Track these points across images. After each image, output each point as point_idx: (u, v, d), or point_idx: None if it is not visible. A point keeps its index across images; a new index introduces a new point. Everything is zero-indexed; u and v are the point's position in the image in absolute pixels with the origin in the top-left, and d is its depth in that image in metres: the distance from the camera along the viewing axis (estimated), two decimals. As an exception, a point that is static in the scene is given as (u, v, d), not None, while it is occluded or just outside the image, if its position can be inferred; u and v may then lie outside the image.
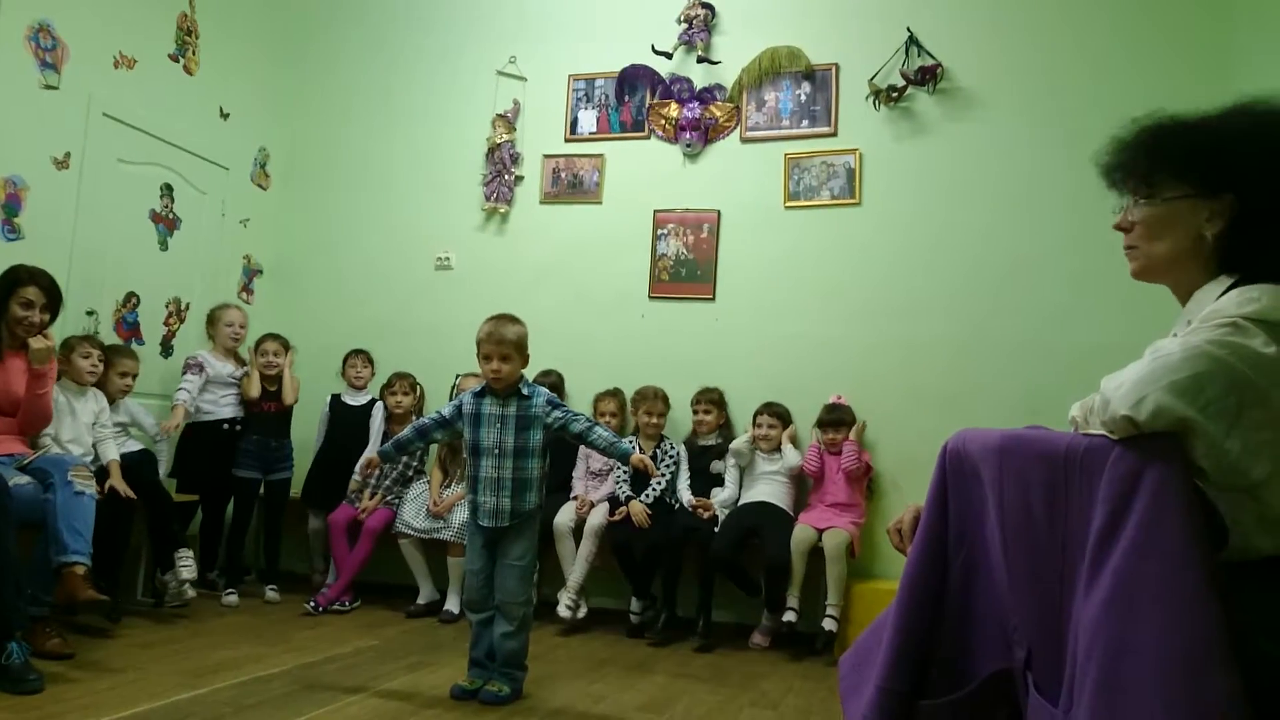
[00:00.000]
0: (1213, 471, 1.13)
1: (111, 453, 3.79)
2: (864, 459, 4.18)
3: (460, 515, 4.23)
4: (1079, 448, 1.15)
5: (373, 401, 4.71)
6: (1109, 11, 4.29)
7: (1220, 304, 1.24)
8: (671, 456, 4.37)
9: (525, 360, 3.00)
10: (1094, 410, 1.20)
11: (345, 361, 4.78)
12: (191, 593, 3.80)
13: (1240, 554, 1.17)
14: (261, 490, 4.47)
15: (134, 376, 4.10)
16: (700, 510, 4.13)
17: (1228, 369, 1.14)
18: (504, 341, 2.92)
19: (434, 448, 4.49)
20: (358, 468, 3.10)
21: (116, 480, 3.66)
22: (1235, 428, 1.13)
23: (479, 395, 3.03)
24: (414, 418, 4.66)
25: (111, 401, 4.01)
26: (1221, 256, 1.34)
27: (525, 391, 3.00)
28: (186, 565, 3.77)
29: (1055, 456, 1.17)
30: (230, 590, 4.21)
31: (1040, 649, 1.20)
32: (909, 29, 4.47)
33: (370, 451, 4.53)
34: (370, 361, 4.80)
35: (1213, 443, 1.12)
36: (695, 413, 4.43)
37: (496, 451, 2.95)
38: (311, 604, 4.10)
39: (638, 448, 4.38)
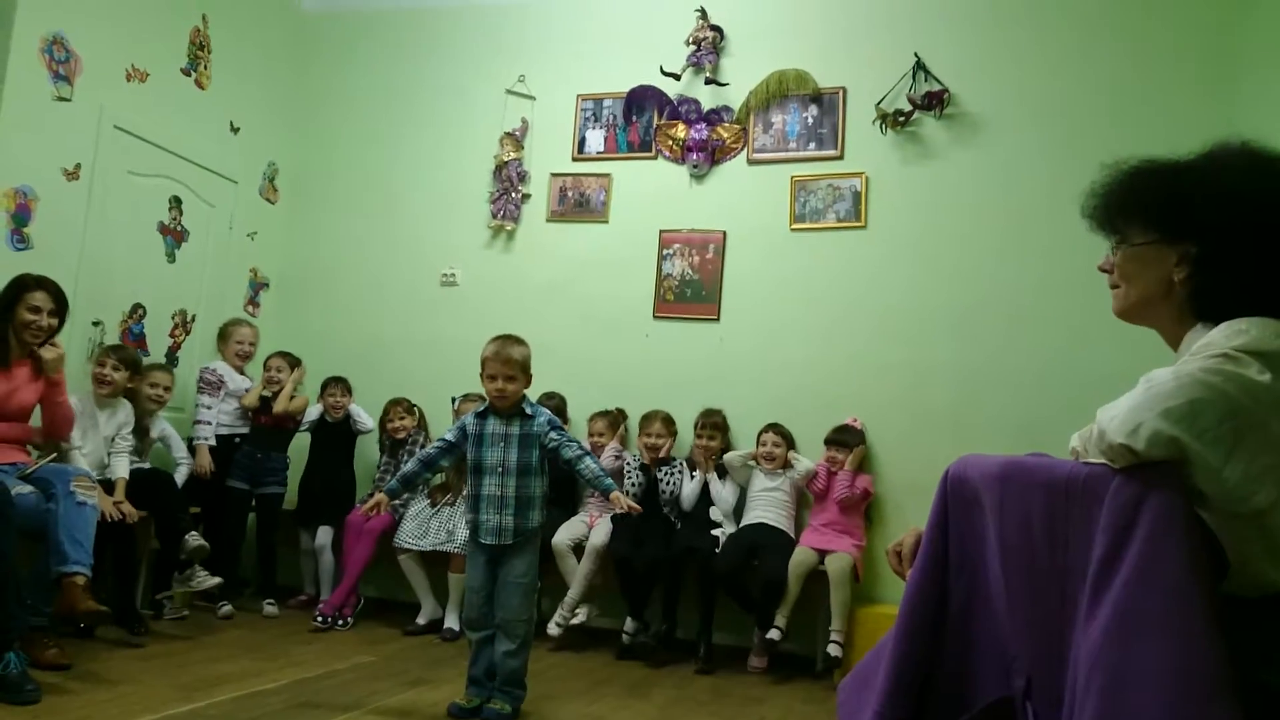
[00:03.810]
0: (1214, 498, 1.13)
1: (122, 470, 3.79)
2: (858, 487, 4.14)
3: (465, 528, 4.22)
4: (1080, 476, 1.15)
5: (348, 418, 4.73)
6: (1116, 39, 4.30)
7: (1211, 337, 1.25)
8: (677, 470, 4.35)
9: (529, 380, 3.03)
10: (1092, 440, 1.20)
11: (324, 389, 4.73)
12: (211, 581, 3.90)
13: (1249, 585, 1.17)
14: (253, 503, 4.47)
15: (166, 389, 4.13)
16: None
17: (1223, 395, 1.14)
18: (510, 362, 2.94)
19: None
20: (365, 507, 3.13)
21: (121, 500, 3.64)
22: (1234, 454, 1.13)
23: (481, 415, 3.04)
24: (419, 435, 4.68)
25: (143, 414, 4.06)
26: (1192, 303, 1.35)
27: (528, 411, 3.01)
28: (197, 539, 3.86)
29: (1056, 484, 1.17)
30: (223, 602, 4.19)
31: (1040, 678, 1.19)
32: (916, 54, 4.50)
33: (366, 422, 4.64)
34: (348, 390, 4.75)
35: (1211, 470, 1.12)
36: (699, 437, 4.40)
37: (500, 470, 2.95)
38: (319, 619, 4.09)
39: (639, 464, 4.39)
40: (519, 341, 3.01)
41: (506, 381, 2.93)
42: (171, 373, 4.24)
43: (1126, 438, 1.12)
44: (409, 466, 3.14)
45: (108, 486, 3.62)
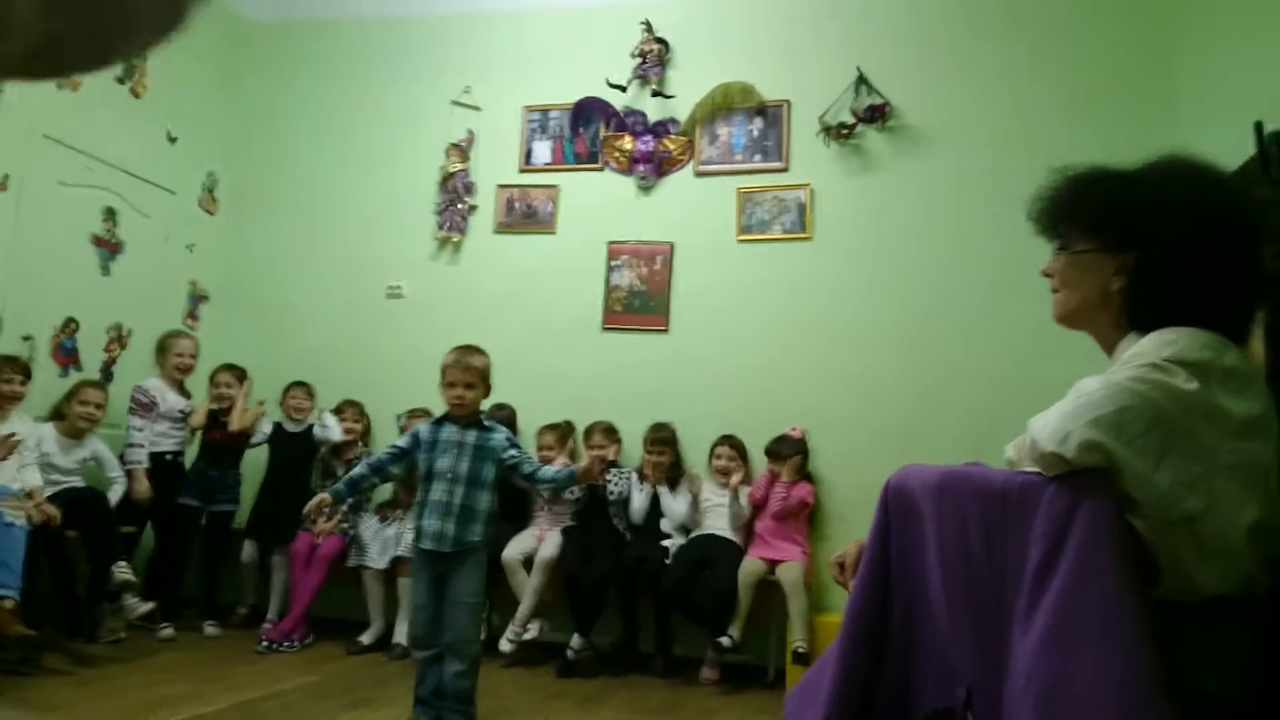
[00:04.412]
0: (1145, 505, 1.16)
1: (35, 480, 3.68)
2: (794, 498, 4.11)
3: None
4: (1014, 485, 1.16)
5: (311, 426, 4.62)
6: (1056, 50, 4.40)
7: (1140, 346, 1.28)
8: (625, 476, 4.35)
9: (488, 390, 3.03)
10: (1025, 449, 1.22)
11: (286, 392, 4.68)
12: (144, 608, 3.75)
13: (1183, 590, 1.19)
14: (204, 520, 4.36)
15: (98, 406, 4.00)
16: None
17: (1150, 404, 1.17)
18: (470, 369, 2.95)
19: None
20: (308, 507, 3.06)
21: (40, 504, 3.54)
22: (1163, 461, 1.15)
23: (437, 423, 3.03)
24: (360, 445, 4.61)
25: (77, 435, 3.96)
26: (1128, 311, 1.38)
27: (486, 424, 3.00)
28: (124, 571, 3.69)
29: (992, 494, 1.19)
30: (165, 624, 4.08)
31: (980, 687, 1.20)
32: (858, 68, 4.56)
33: (333, 431, 4.49)
34: (311, 394, 4.71)
35: (1141, 477, 1.14)
36: (648, 453, 4.36)
37: (449, 476, 2.92)
38: (264, 643, 3.98)
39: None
40: (480, 351, 3.03)
41: (466, 389, 2.94)
42: (104, 389, 4.12)
43: (1057, 446, 1.14)
44: (357, 470, 3.08)
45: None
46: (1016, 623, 1.11)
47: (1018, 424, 1.38)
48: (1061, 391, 1.34)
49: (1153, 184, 1.40)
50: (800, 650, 3.75)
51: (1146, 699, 1.01)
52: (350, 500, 4.28)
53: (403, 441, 3.05)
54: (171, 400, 4.35)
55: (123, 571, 3.69)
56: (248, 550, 4.50)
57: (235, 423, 4.42)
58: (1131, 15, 4.35)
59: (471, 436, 2.96)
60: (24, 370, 3.76)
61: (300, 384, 4.71)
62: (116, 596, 3.71)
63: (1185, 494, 1.16)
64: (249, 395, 4.51)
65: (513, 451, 2.99)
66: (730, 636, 3.84)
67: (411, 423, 4.21)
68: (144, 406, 4.24)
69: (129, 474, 4.14)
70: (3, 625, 2.99)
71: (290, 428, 4.64)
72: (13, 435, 3.47)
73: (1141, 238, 1.37)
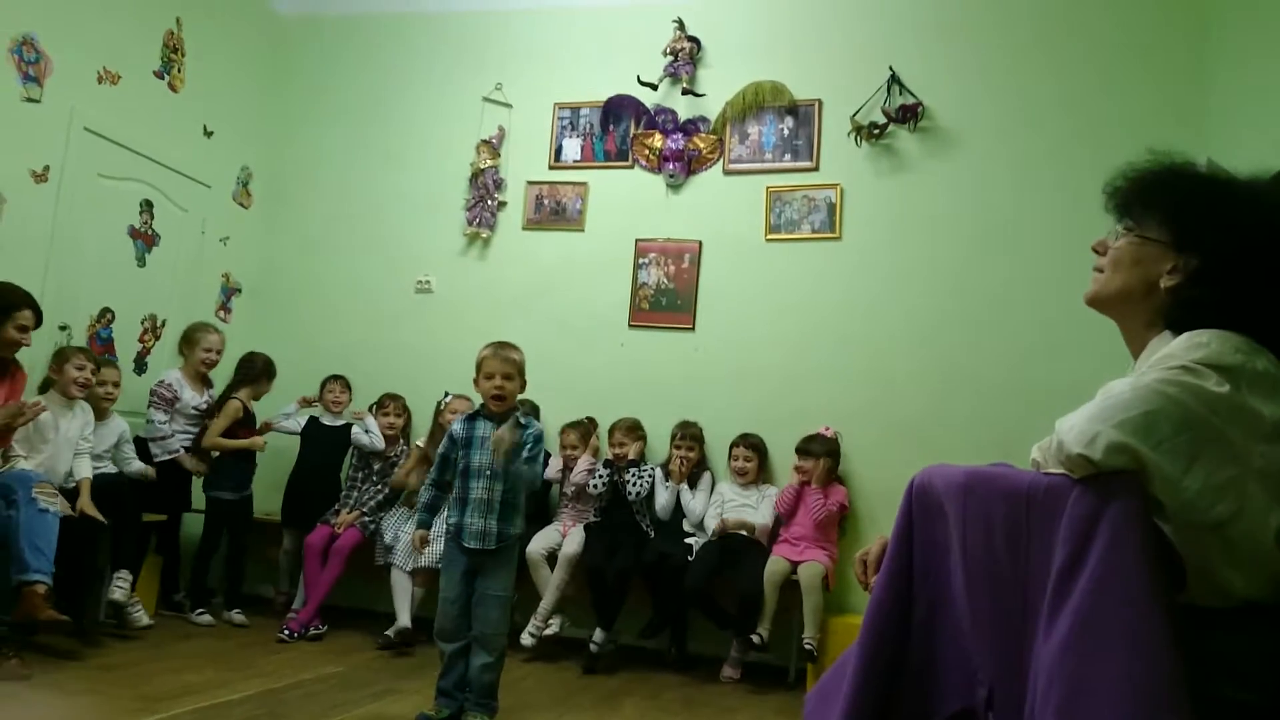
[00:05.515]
0: (1173, 509, 1.14)
1: (84, 471, 3.74)
2: (833, 502, 4.11)
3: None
4: (1040, 487, 1.15)
5: (349, 425, 4.66)
6: (1087, 56, 4.35)
7: (1170, 348, 1.25)
8: (647, 475, 4.33)
9: (523, 385, 3.05)
10: (1051, 450, 1.20)
11: (324, 386, 4.74)
12: (145, 620, 3.78)
13: (1211, 595, 1.17)
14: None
15: (115, 385, 4.03)
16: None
17: (1180, 407, 1.14)
18: (510, 361, 2.98)
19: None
20: (415, 545, 3.21)
21: (86, 503, 3.60)
22: (1193, 466, 1.13)
23: (470, 419, 3.04)
24: (400, 440, 4.66)
25: (100, 416, 3.99)
26: (1170, 312, 1.35)
27: (522, 420, 3.00)
28: (121, 586, 3.70)
29: (1017, 495, 1.17)
30: (201, 610, 4.16)
31: (1002, 689, 1.19)
32: (891, 68, 4.53)
33: (376, 439, 4.54)
34: (348, 387, 4.76)
35: (1169, 480, 1.12)
36: (678, 448, 4.37)
37: (488, 473, 2.94)
38: (285, 632, 4.01)
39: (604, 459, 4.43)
40: (515, 346, 3.06)
41: (505, 379, 2.95)
42: (117, 368, 4.14)
43: (1084, 448, 1.12)
44: (426, 496, 3.11)
45: (69, 494, 3.57)
46: (1040, 625, 1.10)
47: (1044, 424, 1.37)
48: (1087, 392, 1.32)
49: (1242, 195, 1.36)
50: (809, 647, 3.74)
51: (1170, 705, 0.99)
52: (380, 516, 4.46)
53: (442, 448, 3.07)
54: (188, 396, 4.36)
55: (120, 585, 3.69)
56: (287, 541, 4.57)
57: (260, 444, 4.53)
58: (1163, 18, 4.29)
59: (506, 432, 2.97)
60: (96, 361, 3.84)
61: (338, 377, 4.76)
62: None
63: (1216, 498, 1.14)
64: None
65: (532, 446, 2.97)
66: (760, 635, 3.83)
67: (456, 403, 4.25)
68: (165, 400, 4.28)
69: (156, 462, 4.20)
70: (35, 609, 3.04)
71: (327, 420, 4.69)
72: (38, 403, 3.50)
73: (1208, 245, 1.33)
